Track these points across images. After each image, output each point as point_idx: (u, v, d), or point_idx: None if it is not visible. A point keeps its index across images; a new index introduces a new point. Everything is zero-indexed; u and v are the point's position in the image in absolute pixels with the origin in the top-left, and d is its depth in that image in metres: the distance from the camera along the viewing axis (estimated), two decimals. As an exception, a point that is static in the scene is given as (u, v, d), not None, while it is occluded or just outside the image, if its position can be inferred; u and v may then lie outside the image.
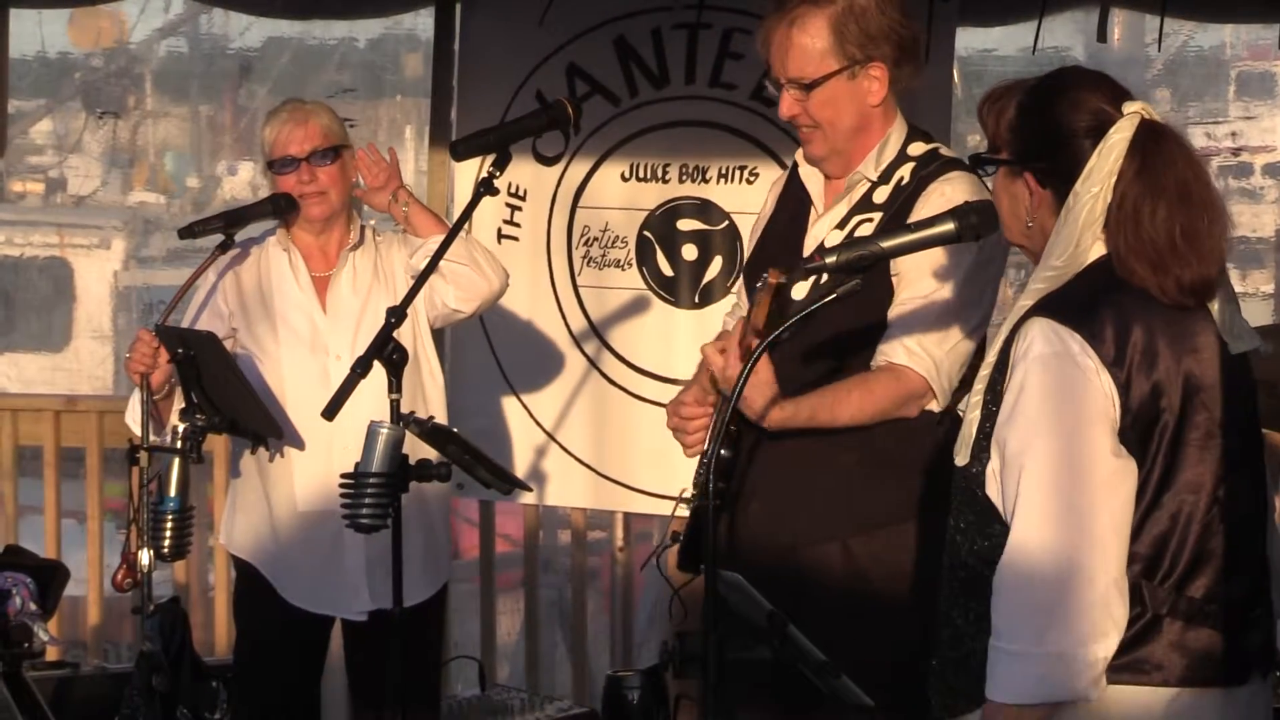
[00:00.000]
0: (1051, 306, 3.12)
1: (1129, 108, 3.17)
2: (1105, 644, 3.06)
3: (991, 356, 3.19)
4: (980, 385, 3.20)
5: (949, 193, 4.07)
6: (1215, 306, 3.18)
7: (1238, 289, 3.32)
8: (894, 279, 4.10)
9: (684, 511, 4.33)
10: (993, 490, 3.14)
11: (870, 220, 4.16)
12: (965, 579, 3.21)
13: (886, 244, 3.44)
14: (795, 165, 4.40)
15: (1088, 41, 6.56)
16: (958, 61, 6.29)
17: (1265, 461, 3.31)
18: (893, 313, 4.10)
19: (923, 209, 4.08)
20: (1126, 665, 3.08)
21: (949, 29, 6.01)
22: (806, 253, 4.23)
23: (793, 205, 4.36)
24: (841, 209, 4.23)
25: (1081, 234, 3.14)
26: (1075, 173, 3.15)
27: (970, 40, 7.69)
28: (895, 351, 4.06)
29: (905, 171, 4.18)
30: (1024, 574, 3.06)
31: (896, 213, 4.13)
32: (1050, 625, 3.04)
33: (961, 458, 3.21)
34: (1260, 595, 3.23)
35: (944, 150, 4.24)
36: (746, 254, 4.53)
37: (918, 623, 3.99)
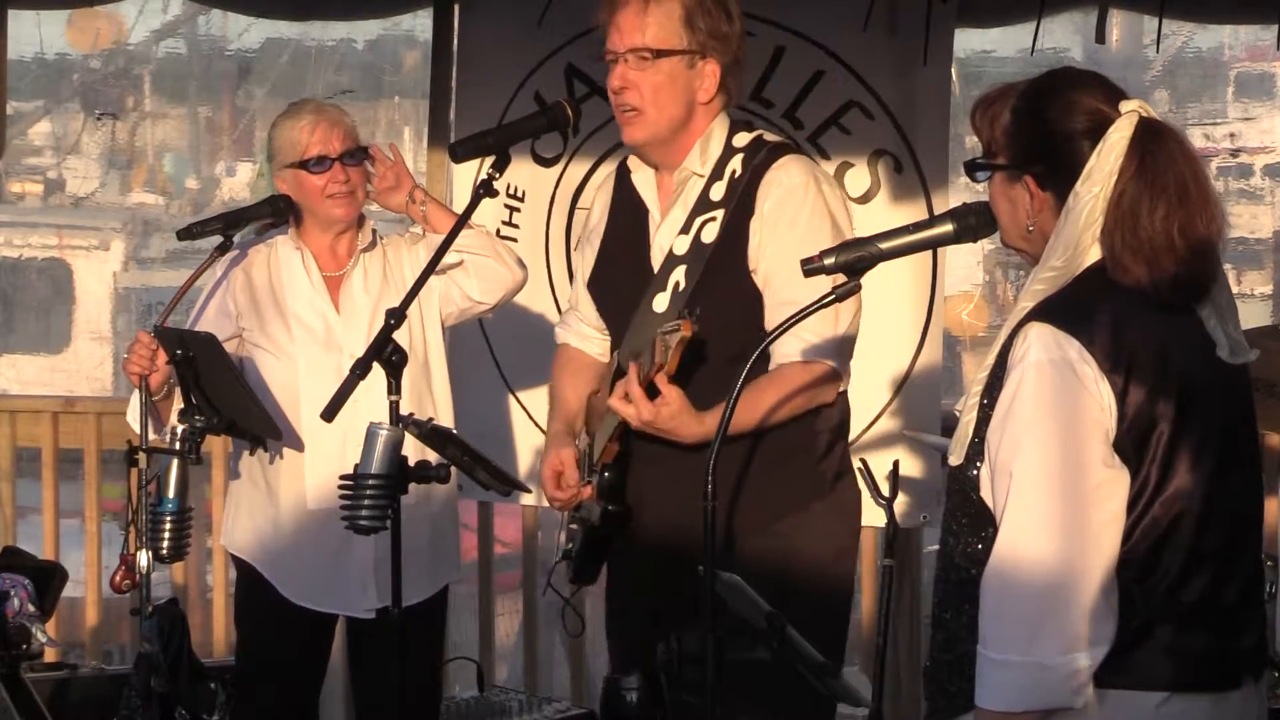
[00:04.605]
0: (1050, 311, 3.12)
1: (1126, 106, 3.16)
2: (1092, 653, 3.05)
3: (990, 358, 3.19)
4: (977, 387, 3.19)
5: (785, 179, 4.18)
6: (1211, 321, 3.18)
7: (1235, 290, 3.31)
8: (753, 275, 4.16)
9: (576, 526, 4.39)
10: (986, 493, 3.14)
11: (713, 219, 4.22)
12: (958, 581, 3.21)
13: (885, 245, 3.44)
14: (622, 172, 4.42)
15: (1086, 42, 6.56)
16: (956, 63, 6.29)
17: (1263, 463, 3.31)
18: (776, 316, 4.13)
19: (764, 199, 4.18)
20: (1118, 670, 3.07)
21: (947, 30, 6.02)
22: (655, 262, 4.29)
23: (628, 213, 4.39)
24: (679, 213, 4.27)
25: (1082, 234, 3.14)
26: (1075, 174, 3.14)
27: (968, 41, 7.70)
28: (793, 349, 4.10)
29: (736, 164, 4.23)
30: (1011, 582, 3.06)
31: (737, 207, 4.19)
32: (1037, 635, 3.04)
33: (955, 457, 3.21)
34: (1253, 598, 3.22)
35: (768, 136, 4.30)
36: (587, 264, 4.52)
37: (821, 619, 4.02)
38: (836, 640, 4.22)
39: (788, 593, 3.89)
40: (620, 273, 4.37)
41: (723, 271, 4.17)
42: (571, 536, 4.40)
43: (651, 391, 4.00)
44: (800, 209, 4.16)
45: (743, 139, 4.27)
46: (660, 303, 4.23)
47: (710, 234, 4.19)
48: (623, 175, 4.41)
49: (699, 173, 4.24)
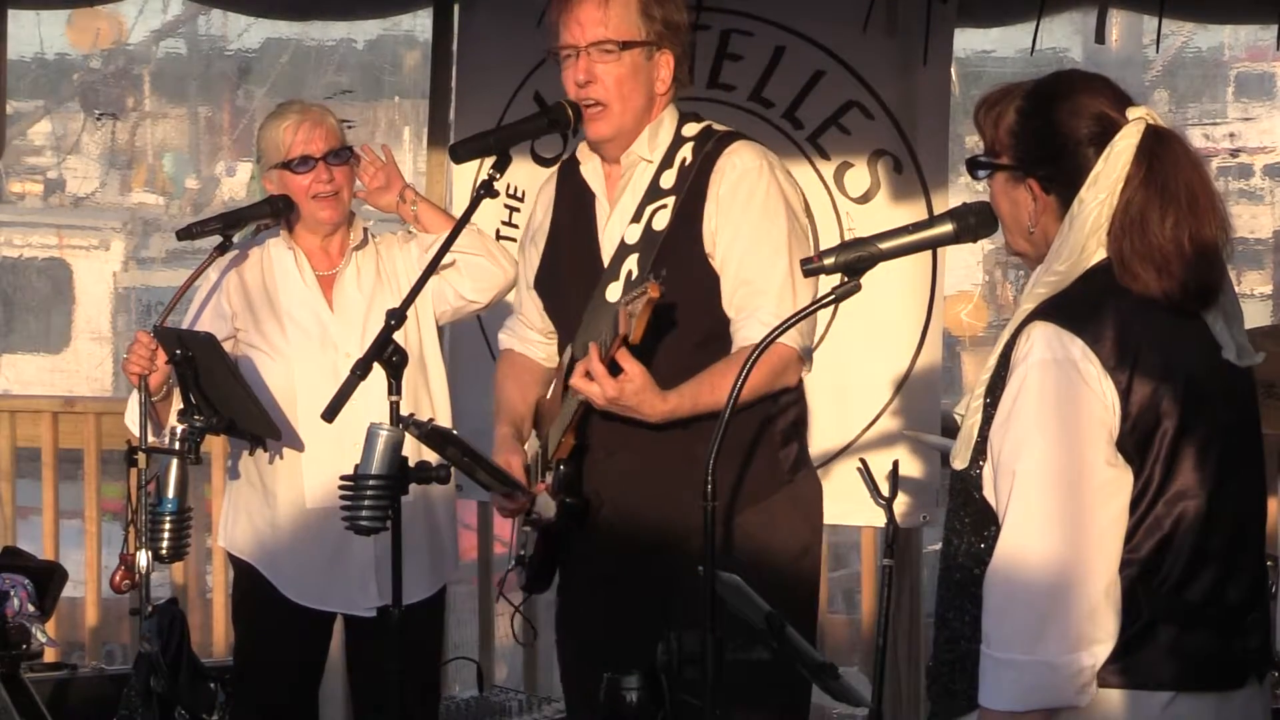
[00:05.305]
0: (1053, 310, 3.11)
1: (1134, 113, 3.16)
2: (1095, 652, 3.05)
3: (992, 359, 3.18)
4: (980, 388, 3.19)
5: (739, 164, 4.21)
6: (1218, 324, 3.18)
7: (1235, 290, 3.32)
8: (709, 259, 4.17)
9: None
10: (989, 493, 3.14)
11: (665, 207, 4.23)
12: (961, 581, 3.20)
13: (885, 245, 3.43)
14: (569, 166, 4.41)
15: (1086, 42, 6.56)
16: (956, 63, 6.29)
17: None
18: (735, 298, 4.17)
19: (717, 184, 4.20)
20: (1122, 670, 3.07)
21: (947, 30, 6.02)
22: (605, 252, 4.28)
23: (575, 206, 4.38)
24: (629, 201, 4.27)
25: (1087, 240, 3.13)
26: (1079, 179, 3.14)
27: (968, 41, 7.71)
28: (755, 330, 4.08)
29: (686, 152, 4.26)
30: (1015, 582, 3.06)
31: (689, 192, 4.20)
32: (1041, 634, 3.04)
33: (960, 460, 3.20)
34: (1257, 598, 3.22)
35: (717, 126, 4.33)
36: (531, 265, 4.50)
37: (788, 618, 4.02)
38: (807, 637, 4.18)
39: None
40: (569, 268, 4.36)
41: (677, 257, 4.17)
42: (524, 541, 4.38)
43: (614, 371, 4.00)
44: (754, 191, 4.19)
45: (692, 129, 4.29)
46: (614, 292, 4.21)
47: (662, 221, 4.21)
48: (568, 170, 4.41)
49: (647, 158, 4.26)
